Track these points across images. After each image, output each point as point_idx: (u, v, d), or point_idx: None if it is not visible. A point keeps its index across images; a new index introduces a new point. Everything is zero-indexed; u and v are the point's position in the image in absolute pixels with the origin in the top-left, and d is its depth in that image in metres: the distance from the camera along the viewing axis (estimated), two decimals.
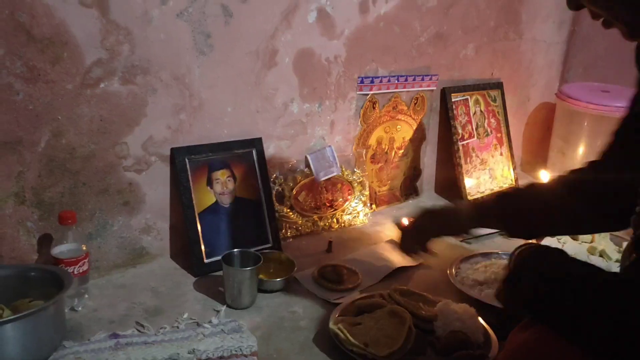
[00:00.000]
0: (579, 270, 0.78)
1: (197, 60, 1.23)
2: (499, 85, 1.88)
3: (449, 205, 1.22)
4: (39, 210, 1.11)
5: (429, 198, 1.81)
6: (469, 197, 1.75)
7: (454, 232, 1.22)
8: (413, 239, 1.22)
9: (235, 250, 1.19)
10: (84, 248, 1.10)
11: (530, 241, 1.06)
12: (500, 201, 1.11)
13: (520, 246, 0.89)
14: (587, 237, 1.50)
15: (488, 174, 1.84)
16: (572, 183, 1.05)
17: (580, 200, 1.02)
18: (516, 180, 1.91)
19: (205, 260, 1.26)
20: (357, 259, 1.36)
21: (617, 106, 1.78)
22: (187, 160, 1.26)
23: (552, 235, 1.29)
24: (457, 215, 1.15)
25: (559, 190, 1.06)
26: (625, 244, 1.45)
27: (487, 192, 1.82)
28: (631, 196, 0.89)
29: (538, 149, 2.12)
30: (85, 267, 1.09)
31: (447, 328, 1.05)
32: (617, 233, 1.51)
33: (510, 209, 1.08)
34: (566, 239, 1.49)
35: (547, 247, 0.86)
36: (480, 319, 1.08)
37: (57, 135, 1.08)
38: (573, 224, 1.06)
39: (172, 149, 1.25)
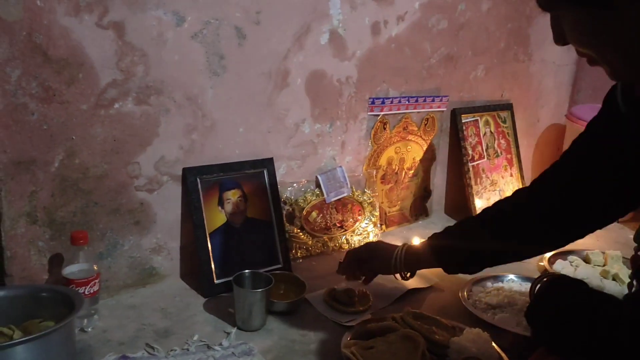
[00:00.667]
0: (598, 302, 0.78)
1: (210, 81, 1.23)
2: (508, 107, 1.88)
3: (387, 249, 1.25)
4: (51, 230, 1.10)
5: (439, 219, 1.80)
6: None
7: (382, 271, 1.27)
8: (348, 266, 1.28)
9: (246, 271, 1.18)
10: (95, 268, 1.09)
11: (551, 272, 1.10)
12: (433, 247, 1.17)
13: (541, 277, 0.90)
14: (600, 261, 1.48)
15: (498, 195, 1.83)
16: (494, 212, 1.14)
17: (497, 230, 1.10)
18: None
19: (216, 281, 1.26)
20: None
21: None
22: (198, 180, 1.26)
23: (487, 266, 1.19)
24: (388, 257, 1.22)
25: (482, 223, 1.14)
26: None
27: None
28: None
29: None
30: (96, 288, 1.09)
31: (462, 353, 1.03)
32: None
33: (442, 253, 1.16)
34: (579, 262, 1.48)
35: (568, 278, 0.86)
36: (494, 344, 1.07)
37: (71, 155, 1.09)
38: (500, 253, 1.13)
39: (183, 169, 1.25)
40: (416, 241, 1.54)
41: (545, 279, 0.91)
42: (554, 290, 0.85)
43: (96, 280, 1.08)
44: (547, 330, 0.81)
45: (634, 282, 0.94)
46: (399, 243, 1.56)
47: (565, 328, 0.79)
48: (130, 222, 1.21)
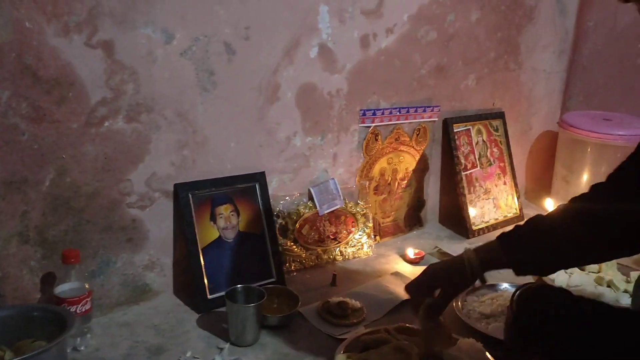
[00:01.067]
0: (585, 308, 0.77)
1: (201, 97, 1.24)
2: (500, 115, 1.89)
3: (453, 259, 1.12)
4: (43, 249, 1.11)
5: (433, 228, 1.80)
6: (474, 227, 1.75)
7: (459, 290, 1.10)
8: (417, 295, 1.10)
9: (239, 286, 1.18)
10: (87, 286, 1.09)
11: (530, 281, 1.01)
12: (504, 244, 1.04)
13: (521, 287, 0.88)
14: (594, 267, 1.48)
15: (492, 204, 1.83)
16: (576, 212, 1.00)
17: (586, 229, 0.97)
18: (520, 209, 1.90)
19: (209, 296, 1.26)
20: (362, 292, 1.35)
21: (619, 134, 1.79)
22: (190, 195, 1.27)
23: (563, 268, 1.15)
24: (460, 271, 1.05)
25: (563, 221, 1.01)
26: (633, 273, 1.44)
27: (492, 221, 1.81)
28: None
29: (542, 178, 2.12)
30: (87, 306, 1.09)
31: None
32: (624, 262, 1.50)
33: (515, 250, 1.02)
34: (573, 269, 1.47)
35: (549, 287, 0.86)
36: (487, 354, 1.07)
37: (62, 174, 1.09)
38: (581, 255, 1.01)
39: (175, 185, 1.25)
40: (410, 251, 1.55)
41: (525, 289, 0.89)
42: (540, 300, 0.84)
43: (88, 299, 1.08)
44: (538, 341, 0.81)
45: None
46: (394, 254, 1.59)
47: (562, 336, 0.77)
48: (123, 240, 1.21)
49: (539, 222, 1.03)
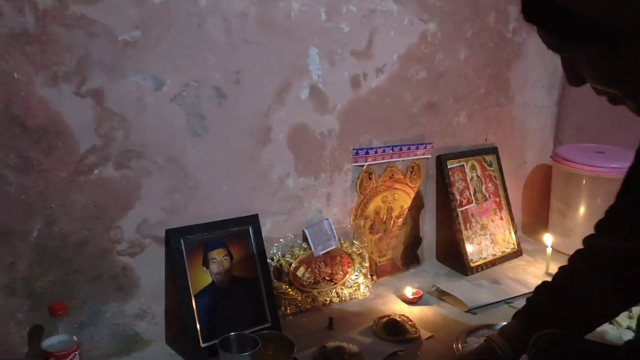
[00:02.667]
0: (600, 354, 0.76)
1: (192, 141, 1.24)
2: (494, 150, 1.89)
3: (480, 348, 1.08)
4: (30, 301, 1.08)
5: (431, 266, 1.77)
6: (472, 264, 1.72)
7: None
8: None
9: (232, 334, 1.14)
10: (75, 339, 1.06)
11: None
12: (524, 321, 1.03)
13: (539, 334, 0.87)
14: None
15: (489, 239, 1.82)
16: (594, 262, 1.00)
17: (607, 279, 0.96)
18: (518, 243, 1.88)
19: (202, 345, 1.22)
20: (359, 337, 1.32)
21: (613, 167, 1.78)
22: (182, 241, 1.25)
23: (594, 326, 1.04)
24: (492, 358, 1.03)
25: (584, 274, 1.00)
26: (635, 309, 1.41)
27: (490, 257, 1.79)
28: None
29: (538, 211, 2.11)
30: None
31: None
32: None
33: (538, 321, 0.98)
34: None
35: (566, 335, 0.84)
36: None
37: (50, 224, 1.08)
38: (602, 306, 0.99)
39: (166, 230, 1.24)
40: (408, 291, 1.52)
41: (542, 337, 0.88)
42: (551, 349, 0.82)
43: (76, 352, 1.05)
44: None
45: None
46: (392, 294, 1.56)
47: None
48: (113, 289, 1.18)
49: (548, 288, 1.04)
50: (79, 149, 1.08)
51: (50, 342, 1.04)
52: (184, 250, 1.24)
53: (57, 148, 1.06)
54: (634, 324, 1.34)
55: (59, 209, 1.08)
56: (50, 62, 1.01)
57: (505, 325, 1.08)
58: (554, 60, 2.04)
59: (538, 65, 1.99)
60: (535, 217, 2.11)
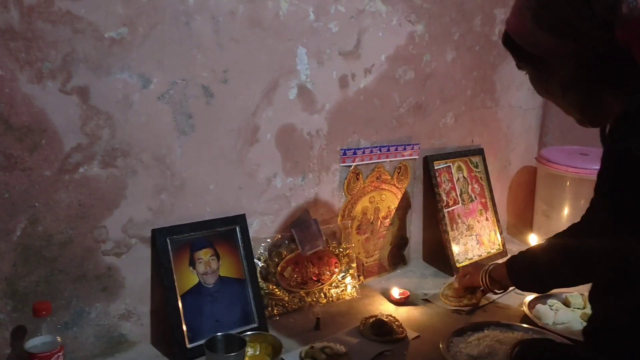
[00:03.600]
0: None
1: (179, 140, 1.23)
2: (479, 151, 1.91)
3: (477, 268, 1.48)
4: (13, 302, 1.06)
5: (417, 267, 1.78)
6: (457, 264, 1.73)
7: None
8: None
9: (219, 334, 1.14)
10: (59, 340, 1.04)
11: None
12: (508, 268, 1.37)
13: (520, 341, 0.92)
14: (580, 304, 1.47)
15: (475, 240, 1.83)
16: (557, 248, 1.26)
17: (567, 266, 1.22)
18: (503, 244, 1.90)
19: (188, 346, 1.21)
20: (347, 337, 1.31)
21: (596, 169, 1.78)
22: (168, 240, 1.23)
23: (560, 287, 1.41)
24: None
25: (549, 255, 1.27)
26: None
27: (476, 258, 1.80)
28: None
29: (523, 212, 2.13)
30: None
31: None
32: None
33: (515, 274, 1.35)
34: (559, 305, 1.46)
35: (547, 340, 0.89)
36: None
37: (34, 223, 1.06)
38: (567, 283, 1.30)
39: (153, 230, 1.22)
40: (395, 291, 1.52)
41: (525, 341, 0.94)
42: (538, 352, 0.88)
43: (60, 354, 1.03)
44: None
45: None
46: (379, 294, 1.57)
47: None
48: (97, 289, 1.17)
49: (534, 252, 1.35)
50: (64, 147, 1.07)
51: (33, 343, 1.02)
52: (170, 250, 1.23)
53: (41, 146, 1.04)
54: None
55: (43, 207, 1.06)
56: (35, 58, 1.00)
57: (499, 264, 1.43)
58: None
59: None
60: (520, 219, 2.13)
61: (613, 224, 0.74)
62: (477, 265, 1.52)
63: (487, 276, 1.42)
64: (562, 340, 1.25)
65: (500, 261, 1.46)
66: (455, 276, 1.58)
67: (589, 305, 1.45)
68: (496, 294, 1.47)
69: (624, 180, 0.70)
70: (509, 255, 1.85)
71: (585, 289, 1.50)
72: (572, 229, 1.27)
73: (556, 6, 0.79)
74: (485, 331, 1.33)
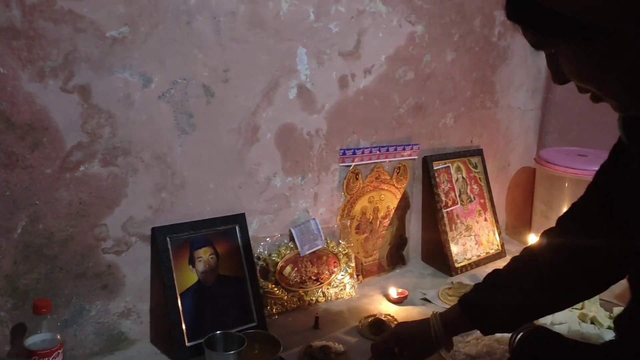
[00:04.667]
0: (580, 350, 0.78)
1: (179, 139, 1.23)
2: (479, 152, 1.91)
3: (420, 322, 1.12)
4: (13, 299, 1.07)
5: (416, 267, 1.79)
6: (456, 265, 1.74)
7: (423, 356, 1.11)
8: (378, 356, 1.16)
9: (218, 332, 1.14)
10: (59, 337, 1.05)
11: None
12: (465, 308, 1.06)
13: (519, 330, 0.88)
14: (578, 304, 1.48)
15: (474, 240, 1.83)
16: (534, 259, 1.02)
17: (549, 274, 0.97)
18: (502, 245, 1.91)
19: (187, 344, 1.22)
20: (345, 336, 1.32)
21: (595, 170, 1.80)
22: (168, 239, 1.24)
23: (527, 322, 1.09)
24: (425, 336, 1.08)
25: (523, 272, 1.02)
26: (616, 309, 1.43)
27: (474, 258, 1.81)
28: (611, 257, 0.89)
29: (522, 213, 2.14)
30: (59, 359, 1.04)
31: None
32: (607, 298, 1.50)
33: (478, 314, 1.04)
34: None
35: (546, 331, 0.86)
36: None
37: (34, 221, 1.06)
38: (541, 304, 1.01)
39: (153, 229, 1.23)
40: (393, 291, 1.53)
41: (523, 333, 0.90)
42: (533, 345, 0.84)
43: (59, 351, 1.04)
44: None
45: None
46: (377, 293, 1.57)
47: None
48: (97, 287, 1.17)
49: (497, 278, 1.05)
50: (65, 145, 1.07)
51: (33, 341, 1.03)
52: (170, 248, 1.24)
53: (42, 144, 1.04)
54: None
55: (44, 205, 1.07)
56: (36, 57, 1.00)
57: (449, 308, 1.11)
58: (538, 65, 2.07)
59: (522, 70, 2.02)
60: (519, 219, 2.14)
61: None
62: (399, 334, 1.14)
63: (440, 331, 1.08)
64: None
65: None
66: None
67: (587, 305, 1.46)
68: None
69: None
70: (507, 256, 1.88)
71: None
72: (563, 226, 1.03)
73: None
74: None
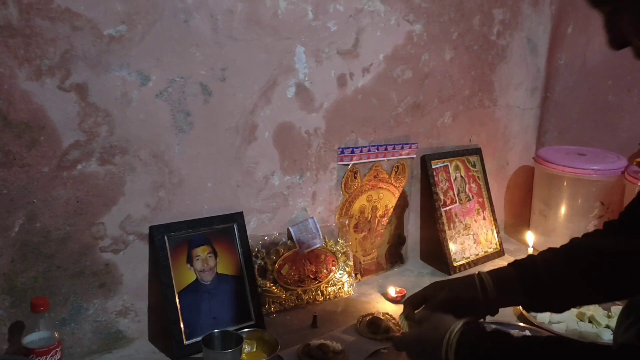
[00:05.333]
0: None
1: (177, 137, 1.23)
2: (477, 151, 1.91)
3: (462, 278, 1.03)
4: (11, 297, 1.07)
5: (414, 265, 1.79)
6: (455, 263, 1.74)
7: (468, 311, 0.96)
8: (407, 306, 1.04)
9: (216, 331, 1.14)
10: (57, 336, 1.05)
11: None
12: (521, 274, 0.98)
13: (463, 324, 0.84)
14: None
15: (472, 239, 1.83)
16: (587, 251, 0.98)
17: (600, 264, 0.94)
18: (500, 244, 1.91)
19: (185, 342, 1.22)
20: (343, 334, 1.32)
21: (594, 169, 1.82)
22: (166, 238, 1.24)
23: (576, 306, 1.11)
24: (470, 292, 0.98)
25: (580, 256, 0.98)
26: (614, 308, 1.43)
27: (473, 257, 1.81)
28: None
29: (520, 212, 2.14)
30: (57, 356, 1.04)
31: None
32: None
33: (532, 285, 0.97)
34: None
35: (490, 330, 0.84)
36: None
37: (32, 219, 1.06)
38: (591, 295, 0.98)
39: (150, 227, 1.23)
40: (391, 290, 1.53)
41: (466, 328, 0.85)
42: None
43: (57, 349, 1.04)
44: None
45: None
46: (376, 292, 1.57)
47: None
48: (95, 285, 1.17)
49: (552, 252, 1.00)
50: (62, 143, 1.07)
51: (31, 339, 1.03)
52: (167, 247, 1.24)
53: (39, 142, 1.04)
54: (612, 323, 1.36)
55: (41, 204, 1.07)
56: (33, 55, 1.00)
57: (497, 268, 1.03)
58: (537, 63, 2.07)
59: (521, 68, 2.01)
60: (518, 218, 2.14)
61: None
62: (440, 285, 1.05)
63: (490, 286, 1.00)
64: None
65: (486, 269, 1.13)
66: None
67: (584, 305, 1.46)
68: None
69: None
70: (505, 255, 1.88)
71: None
72: (610, 228, 1.01)
73: None
74: None
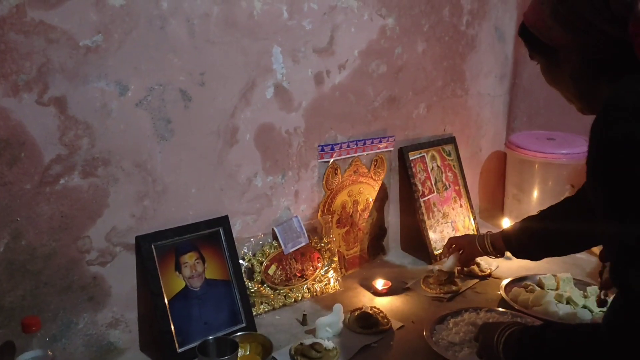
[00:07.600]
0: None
1: (159, 145, 1.22)
2: (452, 140, 1.95)
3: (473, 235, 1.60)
4: (0, 317, 1.05)
5: (396, 256, 1.82)
6: (435, 252, 1.78)
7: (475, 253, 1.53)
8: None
9: (210, 338, 1.15)
10: (50, 353, 1.03)
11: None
12: (504, 237, 1.45)
13: (486, 324, 0.99)
14: (553, 285, 1.54)
15: (451, 227, 1.88)
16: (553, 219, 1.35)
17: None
18: (477, 229, 1.96)
19: (178, 350, 1.22)
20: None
21: (563, 153, 1.88)
22: (153, 247, 1.23)
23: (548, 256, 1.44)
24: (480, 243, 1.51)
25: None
26: (589, 288, 1.50)
27: None
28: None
29: (494, 197, 2.20)
30: None
31: None
32: (580, 278, 1.58)
33: (513, 242, 1.42)
34: (534, 287, 1.52)
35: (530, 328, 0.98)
36: None
37: (16, 237, 1.04)
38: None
39: (137, 237, 1.22)
40: (379, 283, 1.56)
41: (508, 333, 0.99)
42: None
43: None
44: None
45: (602, 296, 1.10)
46: (359, 286, 1.60)
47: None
48: (84, 299, 1.16)
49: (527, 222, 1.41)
50: (43, 159, 1.05)
51: (24, 358, 1.01)
52: (155, 256, 1.23)
53: (20, 159, 1.02)
54: (589, 302, 1.42)
55: (25, 221, 1.05)
56: (9, 71, 0.98)
57: (494, 232, 1.51)
58: (505, 51, 2.12)
59: (490, 56, 2.06)
60: (492, 203, 2.20)
61: (613, 212, 0.75)
62: (465, 238, 1.60)
63: (490, 245, 1.48)
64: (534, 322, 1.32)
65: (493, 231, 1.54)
66: (446, 255, 1.64)
67: (561, 286, 1.52)
68: (497, 257, 1.53)
69: (623, 166, 0.72)
70: None
71: (559, 267, 1.59)
72: (567, 206, 1.33)
73: (574, 1, 0.84)
74: (463, 315, 1.37)
